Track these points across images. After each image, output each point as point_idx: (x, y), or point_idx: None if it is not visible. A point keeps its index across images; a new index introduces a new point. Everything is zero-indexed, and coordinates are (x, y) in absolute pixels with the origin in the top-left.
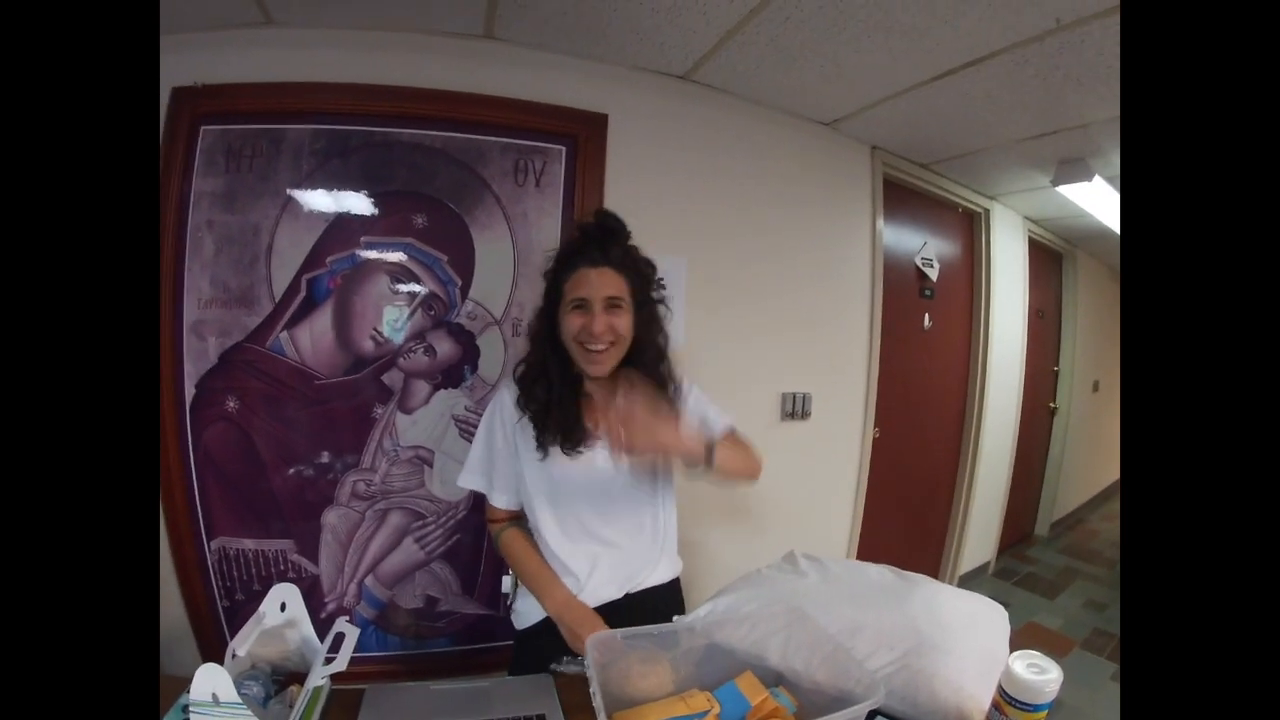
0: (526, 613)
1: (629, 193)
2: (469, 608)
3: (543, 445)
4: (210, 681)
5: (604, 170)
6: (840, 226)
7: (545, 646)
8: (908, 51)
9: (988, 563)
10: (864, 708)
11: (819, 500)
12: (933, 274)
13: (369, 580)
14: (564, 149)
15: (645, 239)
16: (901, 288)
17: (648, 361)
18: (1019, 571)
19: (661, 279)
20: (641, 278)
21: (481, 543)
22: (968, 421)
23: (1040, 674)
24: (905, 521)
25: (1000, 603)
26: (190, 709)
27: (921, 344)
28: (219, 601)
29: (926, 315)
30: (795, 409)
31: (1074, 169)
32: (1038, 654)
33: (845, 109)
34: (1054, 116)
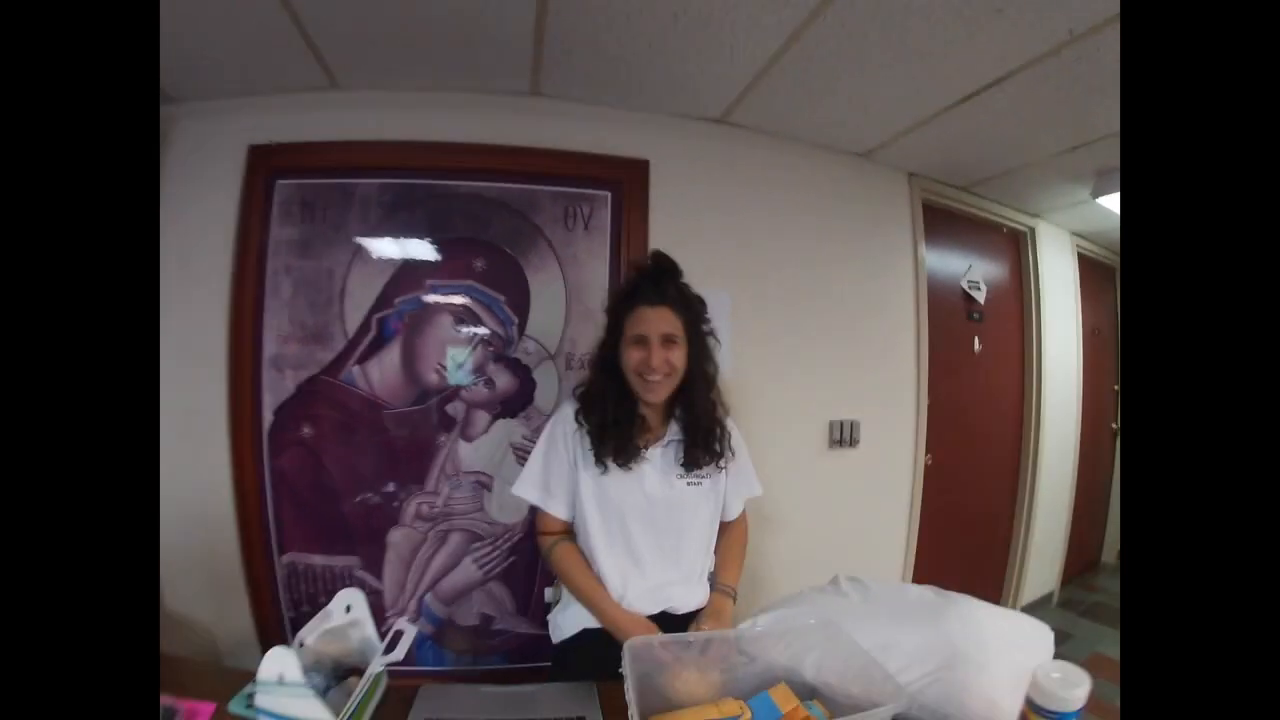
0: (564, 625)
1: (672, 232)
2: (522, 627)
3: (601, 460)
4: (278, 664)
5: (647, 212)
6: (882, 254)
7: (581, 658)
8: (928, 78)
9: (1051, 592)
10: (887, 711)
11: (870, 528)
12: (980, 297)
13: (428, 597)
14: (609, 194)
15: (689, 275)
16: (948, 312)
17: (699, 389)
18: (1085, 601)
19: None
20: (693, 314)
21: (536, 564)
22: (1025, 446)
23: (1066, 682)
24: (962, 550)
25: (1064, 633)
26: (256, 685)
27: (972, 368)
28: (285, 612)
29: (976, 339)
30: (843, 436)
31: (1111, 179)
32: (1069, 665)
33: (877, 139)
34: (1083, 128)
